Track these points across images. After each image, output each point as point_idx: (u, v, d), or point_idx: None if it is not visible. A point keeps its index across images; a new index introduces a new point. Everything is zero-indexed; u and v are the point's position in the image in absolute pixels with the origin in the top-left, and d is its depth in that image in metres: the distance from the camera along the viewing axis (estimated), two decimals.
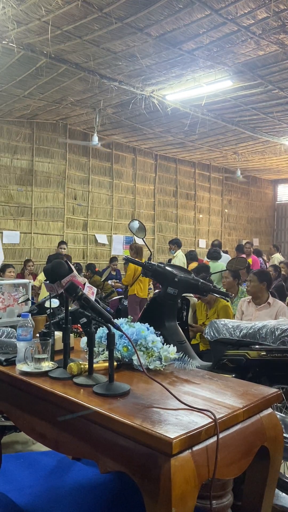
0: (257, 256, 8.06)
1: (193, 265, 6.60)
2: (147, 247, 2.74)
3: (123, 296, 6.54)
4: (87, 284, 1.73)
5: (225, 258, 7.26)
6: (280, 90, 5.94)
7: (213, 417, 1.22)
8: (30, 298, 3.49)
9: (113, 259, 8.34)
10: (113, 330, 1.46)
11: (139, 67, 5.32)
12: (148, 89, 6.09)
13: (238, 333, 2.09)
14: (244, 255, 7.76)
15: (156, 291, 2.53)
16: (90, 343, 1.55)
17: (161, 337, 1.75)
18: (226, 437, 1.26)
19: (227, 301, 3.20)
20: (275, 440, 1.45)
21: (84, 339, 1.82)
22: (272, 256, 9.01)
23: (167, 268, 2.39)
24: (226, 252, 8.50)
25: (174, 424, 1.18)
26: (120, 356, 1.69)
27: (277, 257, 8.77)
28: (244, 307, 3.63)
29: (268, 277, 3.56)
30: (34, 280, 6.22)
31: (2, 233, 7.53)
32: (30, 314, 1.78)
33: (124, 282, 6.19)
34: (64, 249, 7.64)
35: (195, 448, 1.17)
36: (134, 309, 5.61)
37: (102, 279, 6.67)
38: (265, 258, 9.49)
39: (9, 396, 1.66)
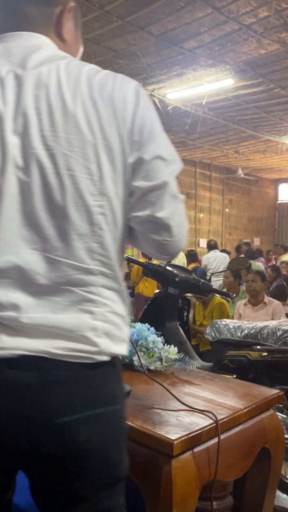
0: (252, 257, 7.40)
1: (193, 266, 6.62)
2: None
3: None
4: None
5: (222, 257, 7.27)
6: (282, 89, 5.93)
7: (214, 418, 1.21)
8: None
9: None
10: None
11: (140, 65, 5.31)
12: (149, 88, 6.08)
13: (239, 334, 2.09)
14: (243, 255, 7.74)
15: (157, 291, 2.53)
16: None
17: (162, 337, 1.74)
18: (227, 438, 1.26)
19: (228, 301, 3.19)
20: (277, 442, 1.44)
21: None
22: (281, 257, 8.37)
23: (167, 268, 2.38)
24: (225, 251, 8.46)
25: (175, 425, 1.18)
26: (120, 357, 1.68)
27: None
28: (241, 310, 3.64)
29: (265, 276, 3.72)
30: None
31: None
32: None
33: (132, 280, 6.25)
34: None
35: (196, 450, 1.16)
36: (141, 308, 5.60)
37: None
38: (272, 257, 9.28)
39: None
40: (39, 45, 0.80)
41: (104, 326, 0.77)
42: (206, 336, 2.25)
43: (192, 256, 7.42)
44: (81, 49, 0.95)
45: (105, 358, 0.78)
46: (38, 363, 0.72)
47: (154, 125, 0.81)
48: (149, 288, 5.79)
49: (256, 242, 12.65)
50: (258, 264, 6.91)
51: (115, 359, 0.82)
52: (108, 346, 0.77)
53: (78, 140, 0.73)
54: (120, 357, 0.85)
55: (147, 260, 2.46)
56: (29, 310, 0.73)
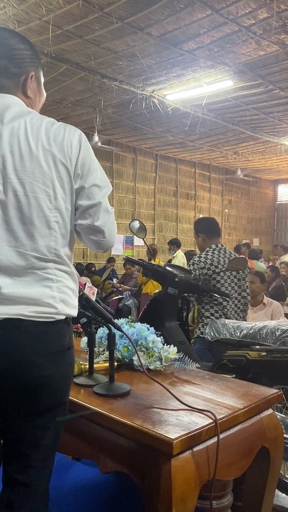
0: (253, 258, 7.36)
1: None
2: (147, 247, 2.74)
3: (123, 296, 6.53)
4: (88, 284, 1.73)
5: None
6: (281, 90, 5.94)
7: (213, 418, 1.22)
8: None
9: (111, 259, 8.33)
10: (114, 330, 1.46)
11: (140, 66, 5.32)
12: (149, 89, 6.09)
13: (238, 334, 2.09)
14: (243, 256, 7.70)
15: (157, 291, 2.53)
16: (91, 343, 1.56)
17: (162, 337, 1.75)
18: (226, 437, 1.26)
19: (227, 301, 3.19)
20: (276, 441, 1.45)
21: (85, 339, 1.82)
22: (281, 258, 8.33)
23: (167, 268, 2.39)
24: None
25: (175, 424, 1.18)
26: (120, 356, 1.69)
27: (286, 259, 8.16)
28: None
29: (265, 277, 3.71)
30: None
31: None
32: None
33: (139, 281, 6.24)
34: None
35: (195, 449, 1.17)
36: None
37: (102, 279, 6.66)
38: (271, 258, 9.25)
39: None
40: (10, 104, 1.15)
41: (60, 296, 1.12)
42: (206, 336, 2.25)
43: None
44: (43, 97, 1.30)
45: (62, 317, 1.12)
46: (16, 323, 1.05)
47: (92, 163, 1.16)
48: (157, 288, 5.78)
49: (255, 242, 12.66)
50: (261, 265, 6.89)
51: (68, 320, 1.16)
52: (63, 309, 1.12)
53: (40, 173, 1.08)
54: (70, 318, 1.17)
55: (146, 261, 2.46)
56: (7, 287, 1.06)
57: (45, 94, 1.31)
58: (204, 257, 2.70)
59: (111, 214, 1.17)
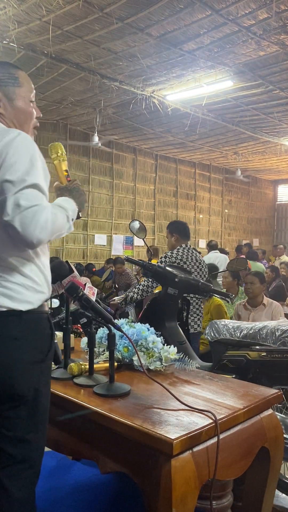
0: (253, 259, 7.19)
1: None
2: (147, 247, 2.74)
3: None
4: (88, 285, 1.73)
5: (222, 258, 7.27)
6: (281, 90, 5.94)
7: (213, 418, 1.22)
8: None
9: (109, 260, 8.32)
10: (114, 330, 1.46)
11: (140, 67, 5.32)
12: (149, 89, 6.09)
13: (238, 334, 2.09)
14: (243, 256, 7.71)
15: (157, 291, 2.53)
16: (91, 344, 1.56)
17: (162, 337, 1.75)
18: (226, 438, 1.26)
19: (228, 301, 3.19)
20: (276, 441, 1.45)
21: (85, 340, 1.82)
22: (281, 258, 8.30)
23: (167, 268, 2.39)
24: (223, 251, 8.43)
25: (175, 424, 1.18)
26: (120, 357, 1.69)
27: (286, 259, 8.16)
28: (240, 311, 3.65)
29: (265, 278, 3.73)
30: None
31: None
32: None
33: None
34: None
35: (195, 449, 1.17)
36: None
37: (102, 280, 6.66)
38: (272, 259, 9.23)
39: None
40: None
41: (1, 290, 1.18)
42: (206, 336, 2.25)
43: None
44: (24, 110, 1.36)
45: (3, 309, 1.17)
46: None
47: (8, 158, 1.16)
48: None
49: (255, 242, 12.65)
50: (259, 265, 6.90)
51: (22, 313, 1.19)
52: (5, 302, 1.18)
53: None
54: (23, 311, 1.20)
55: (146, 261, 2.46)
56: None
57: (28, 107, 1.37)
58: (175, 253, 3.11)
59: (26, 209, 1.14)
